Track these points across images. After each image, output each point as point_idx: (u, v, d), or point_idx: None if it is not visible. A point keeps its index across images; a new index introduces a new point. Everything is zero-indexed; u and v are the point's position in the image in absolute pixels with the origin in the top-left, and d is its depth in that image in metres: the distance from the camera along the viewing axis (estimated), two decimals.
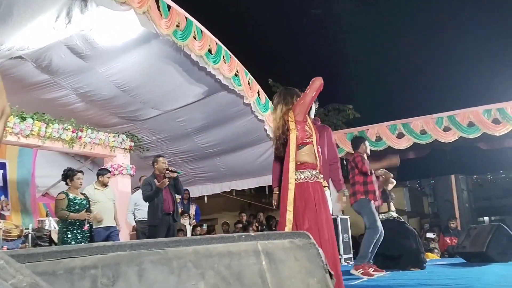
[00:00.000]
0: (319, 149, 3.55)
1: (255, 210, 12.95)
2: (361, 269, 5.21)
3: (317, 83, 3.45)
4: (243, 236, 1.12)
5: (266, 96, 8.54)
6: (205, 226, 9.76)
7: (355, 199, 5.56)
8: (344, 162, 9.13)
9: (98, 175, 6.74)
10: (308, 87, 3.53)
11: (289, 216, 3.22)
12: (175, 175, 6.21)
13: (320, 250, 1.14)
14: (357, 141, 6.06)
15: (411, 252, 6.03)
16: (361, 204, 5.52)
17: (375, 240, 5.33)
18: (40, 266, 0.88)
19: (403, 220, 6.65)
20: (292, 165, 3.29)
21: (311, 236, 1.17)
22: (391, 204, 6.53)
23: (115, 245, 0.97)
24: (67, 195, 5.83)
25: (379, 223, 5.39)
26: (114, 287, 0.91)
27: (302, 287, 1.08)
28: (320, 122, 4.63)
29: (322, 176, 3.44)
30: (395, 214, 6.46)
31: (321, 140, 3.71)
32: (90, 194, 6.41)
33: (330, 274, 1.11)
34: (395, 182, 6.58)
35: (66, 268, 0.90)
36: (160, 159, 6.31)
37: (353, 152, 6.12)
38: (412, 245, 6.09)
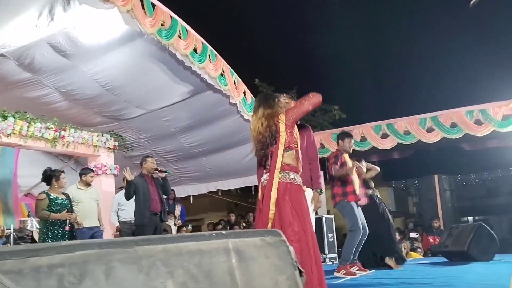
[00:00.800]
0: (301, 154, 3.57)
1: (242, 210, 12.97)
2: (343, 270, 5.23)
3: (317, 99, 3.51)
4: (214, 235, 1.12)
5: (252, 96, 8.55)
6: (190, 226, 9.74)
7: (335, 201, 5.53)
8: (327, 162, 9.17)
9: (81, 174, 6.67)
10: (304, 97, 3.54)
11: (271, 215, 3.24)
12: (164, 174, 6.25)
13: (291, 248, 1.15)
14: (338, 137, 5.94)
15: (387, 241, 6.02)
16: (340, 206, 5.49)
17: (357, 242, 5.34)
18: (6, 265, 0.87)
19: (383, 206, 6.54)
20: (278, 165, 3.33)
21: (282, 234, 1.17)
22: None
23: (83, 243, 0.96)
24: (48, 195, 5.77)
25: (360, 225, 5.36)
26: (81, 285, 0.90)
27: (271, 284, 1.08)
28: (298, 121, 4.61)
29: (301, 180, 3.46)
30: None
31: (301, 140, 3.72)
32: (73, 194, 6.34)
33: (300, 272, 1.12)
34: (376, 169, 6.34)
35: (33, 267, 0.89)
36: (149, 159, 6.30)
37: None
38: (389, 236, 6.12)
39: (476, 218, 21.94)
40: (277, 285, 1.09)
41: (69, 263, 0.92)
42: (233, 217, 11.20)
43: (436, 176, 13.02)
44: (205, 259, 1.04)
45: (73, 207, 6.08)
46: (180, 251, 1.03)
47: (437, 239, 9.27)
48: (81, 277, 0.91)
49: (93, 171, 6.92)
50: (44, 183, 6.26)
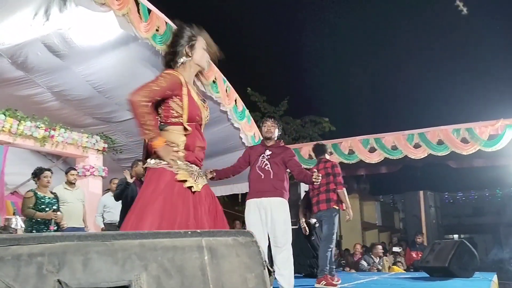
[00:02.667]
0: None
1: (228, 217, 12.96)
2: (323, 281, 5.29)
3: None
4: (189, 232, 1.18)
5: (243, 105, 8.62)
6: None
7: (328, 206, 5.54)
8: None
9: (65, 173, 6.69)
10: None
11: None
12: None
13: (261, 248, 1.21)
14: (325, 147, 6.22)
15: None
16: (331, 212, 5.52)
17: (331, 250, 5.47)
18: None
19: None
20: None
21: (254, 235, 1.24)
22: None
23: (63, 235, 1.02)
24: (36, 194, 5.77)
25: (335, 236, 5.57)
26: (59, 274, 0.96)
27: (240, 280, 1.15)
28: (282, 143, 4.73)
29: None
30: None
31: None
32: (60, 194, 6.34)
33: (269, 271, 1.18)
34: None
35: (14, 255, 0.94)
36: (140, 163, 6.31)
37: (328, 157, 6.10)
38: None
39: (462, 236, 22.11)
40: (246, 282, 1.15)
41: (48, 253, 0.97)
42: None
43: (421, 192, 13.16)
44: (179, 255, 1.10)
45: (59, 207, 6.08)
46: (155, 246, 1.08)
47: (420, 254, 9.35)
48: (59, 266, 0.96)
49: (74, 169, 6.88)
50: (31, 182, 6.26)
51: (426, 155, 9.16)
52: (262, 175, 4.30)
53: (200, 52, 2.80)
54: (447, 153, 9.04)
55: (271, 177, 4.27)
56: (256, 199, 4.28)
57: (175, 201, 2.46)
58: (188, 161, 2.62)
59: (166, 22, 6.36)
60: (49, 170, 6.05)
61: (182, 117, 2.62)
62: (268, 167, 4.31)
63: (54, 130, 7.45)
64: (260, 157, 4.39)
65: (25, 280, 0.92)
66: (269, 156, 4.38)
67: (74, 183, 6.65)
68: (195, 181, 2.59)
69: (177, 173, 2.50)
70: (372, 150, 9.60)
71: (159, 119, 2.64)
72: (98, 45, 6.28)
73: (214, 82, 7.50)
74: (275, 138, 4.55)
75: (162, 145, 2.51)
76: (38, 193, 5.80)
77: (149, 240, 1.09)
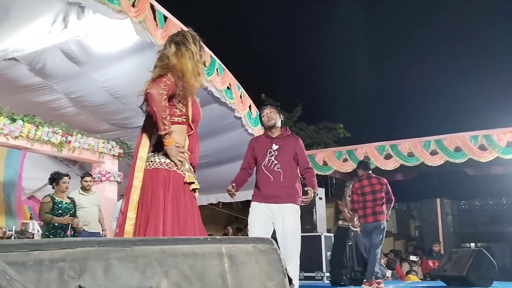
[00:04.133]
0: None
1: (241, 223, 12.95)
2: (375, 284, 5.78)
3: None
4: (209, 239, 1.17)
5: (258, 111, 8.62)
6: None
7: (383, 217, 6.11)
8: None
9: (81, 178, 6.78)
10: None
11: None
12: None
13: (282, 256, 1.20)
14: (370, 164, 6.96)
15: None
16: (385, 224, 6.14)
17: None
18: (10, 257, 0.93)
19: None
20: None
21: (274, 242, 1.22)
22: None
23: (84, 241, 1.02)
24: (53, 199, 5.83)
25: None
26: (80, 279, 0.96)
27: None
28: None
29: None
30: None
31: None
32: (75, 199, 6.41)
33: (290, 280, 1.16)
34: None
35: (36, 260, 0.95)
36: None
37: (371, 174, 6.53)
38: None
39: (479, 244, 21.72)
40: None
41: (70, 258, 0.97)
42: (230, 230, 11.21)
43: (438, 200, 12.97)
44: (199, 261, 1.09)
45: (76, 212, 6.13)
46: (175, 252, 1.08)
47: (436, 263, 9.22)
48: (81, 272, 0.96)
49: (89, 175, 6.94)
50: (48, 187, 6.33)
51: (443, 162, 9.05)
52: (271, 177, 3.84)
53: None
54: (465, 160, 8.92)
55: (282, 179, 3.82)
56: (264, 205, 3.86)
57: (185, 203, 2.46)
58: (191, 164, 2.62)
59: (181, 29, 6.40)
60: (67, 175, 6.12)
61: (185, 115, 2.62)
62: (278, 168, 3.84)
63: (71, 135, 7.53)
64: (268, 154, 3.92)
65: (47, 286, 0.93)
66: (276, 152, 3.91)
67: (89, 189, 6.71)
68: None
69: (184, 175, 2.50)
70: (388, 156, 9.52)
71: None
72: (114, 51, 6.34)
73: (228, 88, 7.52)
74: (279, 126, 4.08)
75: (173, 143, 2.51)
76: (56, 198, 5.87)
77: (169, 247, 1.08)
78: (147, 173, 2.56)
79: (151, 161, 2.57)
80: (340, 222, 7.25)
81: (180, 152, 2.51)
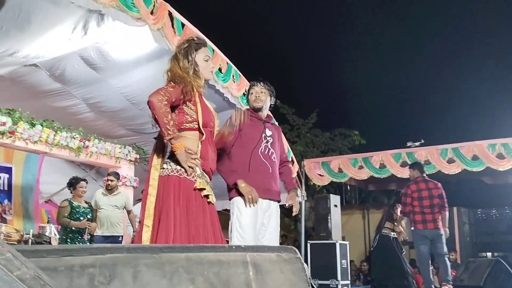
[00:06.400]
0: None
1: None
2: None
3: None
4: (234, 247, 1.19)
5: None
6: None
7: (441, 225, 6.18)
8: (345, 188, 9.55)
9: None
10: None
11: None
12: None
13: (305, 265, 1.21)
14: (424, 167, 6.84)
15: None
16: (442, 231, 6.20)
17: None
18: (43, 262, 0.95)
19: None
20: None
21: (297, 251, 1.23)
22: None
23: (113, 247, 1.04)
24: (71, 203, 5.92)
25: None
26: (110, 285, 0.98)
27: None
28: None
29: None
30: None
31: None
32: (97, 198, 6.45)
33: None
34: None
35: (67, 265, 0.97)
36: None
37: (426, 177, 6.53)
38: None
39: (495, 254, 21.36)
40: None
41: (99, 264, 1.00)
42: None
43: (455, 209, 12.80)
44: (224, 269, 1.11)
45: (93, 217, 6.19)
46: (201, 260, 1.10)
47: (452, 273, 9.09)
48: (110, 278, 0.99)
49: (112, 175, 6.93)
50: (65, 191, 6.42)
51: (460, 170, 8.94)
52: (270, 167, 3.34)
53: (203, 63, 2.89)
54: (482, 169, 8.80)
55: (275, 171, 3.39)
56: (259, 200, 3.28)
57: (197, 210, 2.46)
58: (204, 170, 2.62)
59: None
60: (84, 180, 6.20)
61: (196, 121, 2.63)
62: (274, 158, 3.37)
63: (89, 140, 7.63)
64: (263, 139, 3.38)
65: None
66: (271, 139, 3.41)
67: (111, 189, 6.71)
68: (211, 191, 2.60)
69: (195, 181, 2.50)
70: (404, 164, 9.43)
71: None
72: (132, 58, 6.42)
73: (244, 94, 7.55)
74: (267, 109, 3.50)
75: (182, 149, 2.52)
76: (73, 202, 5.95)
77: (195, 254, 1.10)
78: (160, 180, 2.60)
79: (164, 168, 2.60)
80: (385, 231, 7.15)
81: (191, 158, 2.52)
